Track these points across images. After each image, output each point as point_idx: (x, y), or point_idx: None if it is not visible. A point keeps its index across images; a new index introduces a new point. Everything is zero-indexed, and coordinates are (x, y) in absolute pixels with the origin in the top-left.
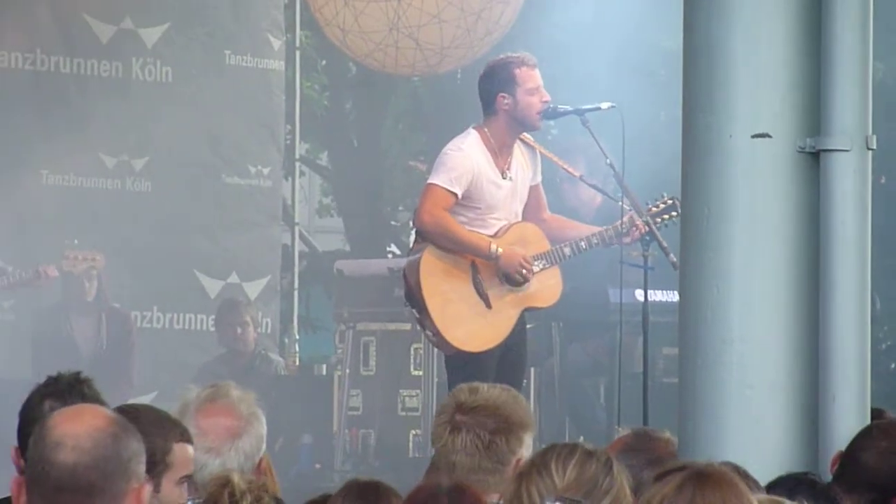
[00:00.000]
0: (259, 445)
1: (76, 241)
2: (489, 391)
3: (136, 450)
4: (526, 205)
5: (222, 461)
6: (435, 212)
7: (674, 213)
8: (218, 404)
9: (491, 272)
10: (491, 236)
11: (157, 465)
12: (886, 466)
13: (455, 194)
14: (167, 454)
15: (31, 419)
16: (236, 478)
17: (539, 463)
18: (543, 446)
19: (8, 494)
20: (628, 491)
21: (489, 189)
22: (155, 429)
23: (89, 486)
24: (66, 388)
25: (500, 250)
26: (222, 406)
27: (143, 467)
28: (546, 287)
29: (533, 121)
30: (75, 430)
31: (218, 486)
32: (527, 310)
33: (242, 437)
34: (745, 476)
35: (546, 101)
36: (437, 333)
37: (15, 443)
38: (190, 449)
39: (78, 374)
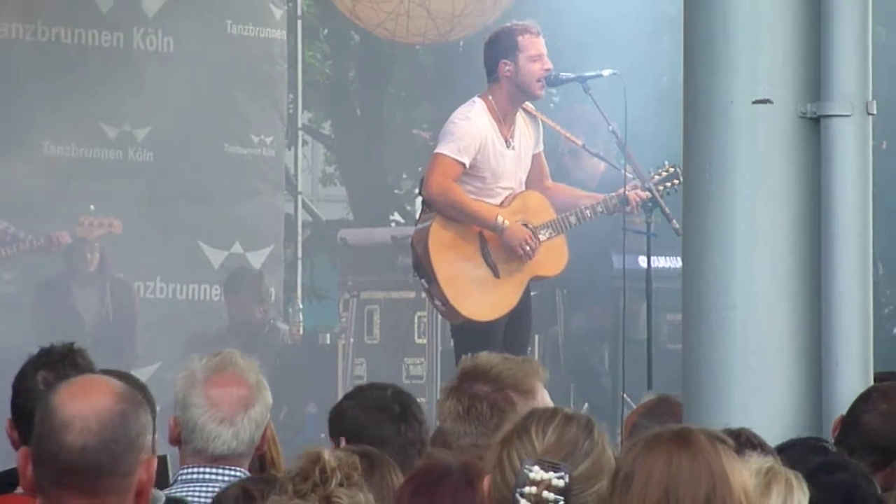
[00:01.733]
0: (266, 413)
1: (92, 208)
2: (486, 358)
3: (144, 423)
4: (529, 173)
5: (235, 431)
6: (443, 182)
7: (676, 181)
8: (227, 373)
9: (499, 242)
10: (497, 206)
11: None
12: (887, 429)
13: (462, 164)
14: None
15: (23, 390)
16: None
17: (520, 428)
18: None
19: (9, 467)
20: (611, 454)
21: (495, 158)
22: None
23: (98, 467)
24: (60, 359)
25: (507, 223)
26: (232, 375)
27: (150, 438)
28: (552, 256)
29: (534, 88)
30: (83, 410)
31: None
32: (533, 279)
33: (254, 406)
34: (745, 442)
35: (548, 69)
36: (446, 303)
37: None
38: None
39: (71, 344)
